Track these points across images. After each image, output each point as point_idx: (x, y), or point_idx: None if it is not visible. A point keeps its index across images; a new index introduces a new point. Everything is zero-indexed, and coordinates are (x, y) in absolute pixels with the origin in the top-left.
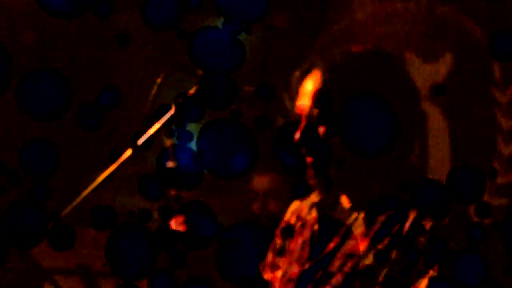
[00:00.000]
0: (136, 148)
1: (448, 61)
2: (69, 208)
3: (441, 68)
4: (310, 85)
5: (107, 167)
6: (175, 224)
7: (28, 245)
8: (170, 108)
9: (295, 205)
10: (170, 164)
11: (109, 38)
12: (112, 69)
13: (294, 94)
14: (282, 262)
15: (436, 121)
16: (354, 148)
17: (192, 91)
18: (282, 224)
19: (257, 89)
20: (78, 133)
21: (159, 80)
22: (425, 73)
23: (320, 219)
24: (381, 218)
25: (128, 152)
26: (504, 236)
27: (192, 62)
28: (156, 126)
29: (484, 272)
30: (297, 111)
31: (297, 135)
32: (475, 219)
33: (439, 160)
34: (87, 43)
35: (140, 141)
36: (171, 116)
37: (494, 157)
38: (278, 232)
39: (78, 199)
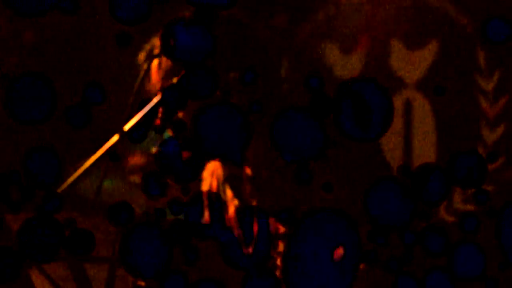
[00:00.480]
0: (123, 134)
1: (433, 48)
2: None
3: (427, 55)
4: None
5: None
6: None
7: (47, 258)
8: (155, 95)
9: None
10: (153, 150)
11: (77, 34)
12: (91, 66)
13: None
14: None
15: (421, 108)
16: (347, 132)
17: (175, 79)
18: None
19: (241, 74)
20: (68, 134)
21: (145, 66)
22: (411, 60)
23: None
24: None
25: (115, 137)
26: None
27: (166, 54)
28: (143, 112)
29: (483, 264)
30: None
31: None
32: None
33: (424, 146)
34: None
35: (127, 127)
36: (158, 103)
37: (479, 144)
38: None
39: (64, 186)
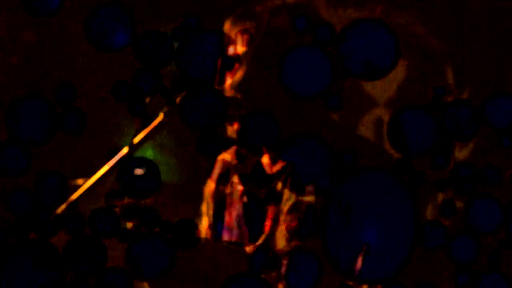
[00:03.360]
0: (132, 147)
1: (401, 68)
2: (64, 206)
3: (396, 75)
4: None
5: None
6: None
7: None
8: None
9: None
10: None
11: None
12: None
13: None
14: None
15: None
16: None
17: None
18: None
19: (184, 22)
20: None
21: None
22: (378, 82)
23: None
24: None
25: (124, 150)
26: None
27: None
28: (152, 125)
29: (500, 218)
30: None
31: None
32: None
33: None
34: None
35: (136, 140)
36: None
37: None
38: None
39: (73, 197)
